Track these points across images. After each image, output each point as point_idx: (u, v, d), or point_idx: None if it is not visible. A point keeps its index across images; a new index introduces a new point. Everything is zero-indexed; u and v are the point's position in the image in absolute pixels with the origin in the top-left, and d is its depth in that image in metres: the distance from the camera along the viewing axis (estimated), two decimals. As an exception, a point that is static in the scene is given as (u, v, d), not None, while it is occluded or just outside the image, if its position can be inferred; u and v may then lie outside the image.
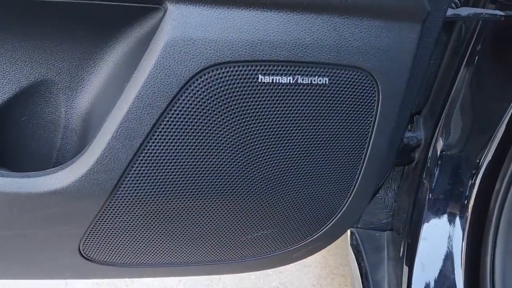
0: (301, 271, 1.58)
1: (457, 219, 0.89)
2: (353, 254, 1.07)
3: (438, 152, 0.91)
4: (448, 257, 0.88)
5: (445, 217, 0.89)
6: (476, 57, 0.86)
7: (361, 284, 1.02)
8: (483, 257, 0.86)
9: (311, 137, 0.60)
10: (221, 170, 0.60)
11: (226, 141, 0.58)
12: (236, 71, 0.54)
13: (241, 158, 0.60)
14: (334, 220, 0.71)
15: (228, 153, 0.59)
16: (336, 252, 1.60)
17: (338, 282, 1.56)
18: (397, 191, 1.04)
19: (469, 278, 0.86)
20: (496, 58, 0.85)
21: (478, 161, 0.83)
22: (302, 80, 0.56)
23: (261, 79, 0.55)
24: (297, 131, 0.59)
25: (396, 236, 1.02)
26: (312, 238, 0.74)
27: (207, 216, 0.66)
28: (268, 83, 0.55)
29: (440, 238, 0.89)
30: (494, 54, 0.85)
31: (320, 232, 0.73)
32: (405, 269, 0.93)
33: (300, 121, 0.59)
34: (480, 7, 0.78)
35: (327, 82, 0.57)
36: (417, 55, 0.61)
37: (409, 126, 0.97)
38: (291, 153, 0.61)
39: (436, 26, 0.65)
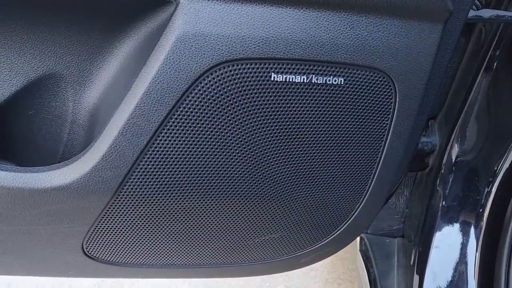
0: (307, 275, 1.56)
1: (471, 228, 0.86)
2: (362, 260, 1.05)
3: (453, 159, 0.88)
4: (461, 267, 0.85)
5: (458, 226, 0.87)
6: (495, 62, 0.83)
7: (369, 288, 0.99)
8: (497, 268, 0.83)
9: (325, 138, 0.58)
10: (230, 170, 0.58)
11: (236, 140, 0.56)
12: (249, 68, 0.52)
13: (251, 159, 0.58)
14: (345, 225, 0.69)
15: (238, 153, 0.57)
16: (344, 257, 1.58)
17: (345, 287, 1.53)
18: (409, 197, 1.02)
19: (483, 289, 0.84)
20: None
21: (495, 168, 0.81)
22: (317, 79, 0.54)
23: (274, 77, 0.53)
24: (310, 132, 0.57)
25: (407, 243, 1.00)
26: (322, 243, 0.72)
27: (215, 217, 0.64)
28: (281, 81, 0.53)
29: (453, 247, 0.86)
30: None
31: (331, 237, 0.71)
32: (416, 277, 0.90)
33: (313, 122, 0.57)
34: (502, 10, 0.76)
35: (342, 83, 0.55)
36: (437, 57, 0.59)
37: (424, 131, 0.94)
38: (304, 155, 0.59)
39: (457, 28, 0.63)
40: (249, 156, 0.57)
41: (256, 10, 0.51)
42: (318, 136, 0.58)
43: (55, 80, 0.62)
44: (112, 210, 0.58)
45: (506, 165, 0.80)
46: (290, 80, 0.54)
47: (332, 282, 1.54)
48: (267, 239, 0.70)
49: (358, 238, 1.07)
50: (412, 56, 0.55)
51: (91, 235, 0.62)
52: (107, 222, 0.60)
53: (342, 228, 0.70)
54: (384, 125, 0.59)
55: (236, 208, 0.63)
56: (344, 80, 0.55)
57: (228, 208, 0.63)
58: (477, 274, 0.84)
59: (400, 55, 0.55)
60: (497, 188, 0.82)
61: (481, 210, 0.84)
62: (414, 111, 0.59)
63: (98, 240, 0.63)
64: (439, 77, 0.66)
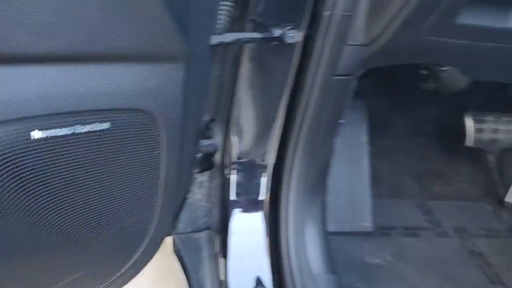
0: (136, 279, 1.58)
1: (258, 213, 1.02)
2: (177, 260, 1.13)
3: (233, 155, 1.02)
4: (256, 248, 1.01)
5: (247, 213, 1.02)
6: (249, 67, 0.97)
7: (187, 285, 1.09)
8: (280, 240, 1.01)
9: (102, 181, 0.62)
10: (11, 232, 0.57)
11: (8, 205, 0.55)
12: (7, 131, 0.52)
13: (28, 218, 0.57)
14: (143, 246, 0.75)
15: (14, 215, 0.56)
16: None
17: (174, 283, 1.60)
18: (207, 193, 1.13)
19: (273, 258, 1.01)
20: (264, 68, 0.97)
21: (263, 162, 0.97)
22: (82, 129, 0.57)
23: (33, 136, 0.53)
24: (84, 180, 0.60)
25: (213, 234, 1.11)
26: (127, 266, 0.77)
27: (10, 273, 0.62)
28: (42, 138, 0.54)
29: (247, 231, 1.01)
30: (263, 64, 0.97)
31: (133, 260, 0.76)
32: (222, 261, 1.02)
33: (86, 169, 0.59)
34: (243, 29, 0.89)
35: (109, 127, 0.59)
36: (191, 84, 0.66)
37: (208, 132, 1.05)
38: (83, 201, 0.61)
39: (205, 56, 0.72)
40: (25, 216, 0.57)
41: (3, 72, 0.50)
42: (96, 180, 0.61)
43: None
44: None
45: (272, 159, 0.96)
46: (52, 135, 0.55)
47: (161, 282, 1.60)
48: (74, 278, 0.71)
49: (171, 241, 1.14)
50: (164, 93, 0.62)
51: None
52: None
53: (141, 249, 0.75)
54: (155, 155, 0.65)
55: (31, 263, 0.62)
56: (111, 124, 0.59)
57: (21, 264, 0.62)
58: (267, 247, 1.01)
59: (154, 94, 0.61)
60: (271, 179, 0.99)
61: (261, 199, 1.00)
62: (179, 137, 0.67)
63: None
64: (199, 98, 0.75)
